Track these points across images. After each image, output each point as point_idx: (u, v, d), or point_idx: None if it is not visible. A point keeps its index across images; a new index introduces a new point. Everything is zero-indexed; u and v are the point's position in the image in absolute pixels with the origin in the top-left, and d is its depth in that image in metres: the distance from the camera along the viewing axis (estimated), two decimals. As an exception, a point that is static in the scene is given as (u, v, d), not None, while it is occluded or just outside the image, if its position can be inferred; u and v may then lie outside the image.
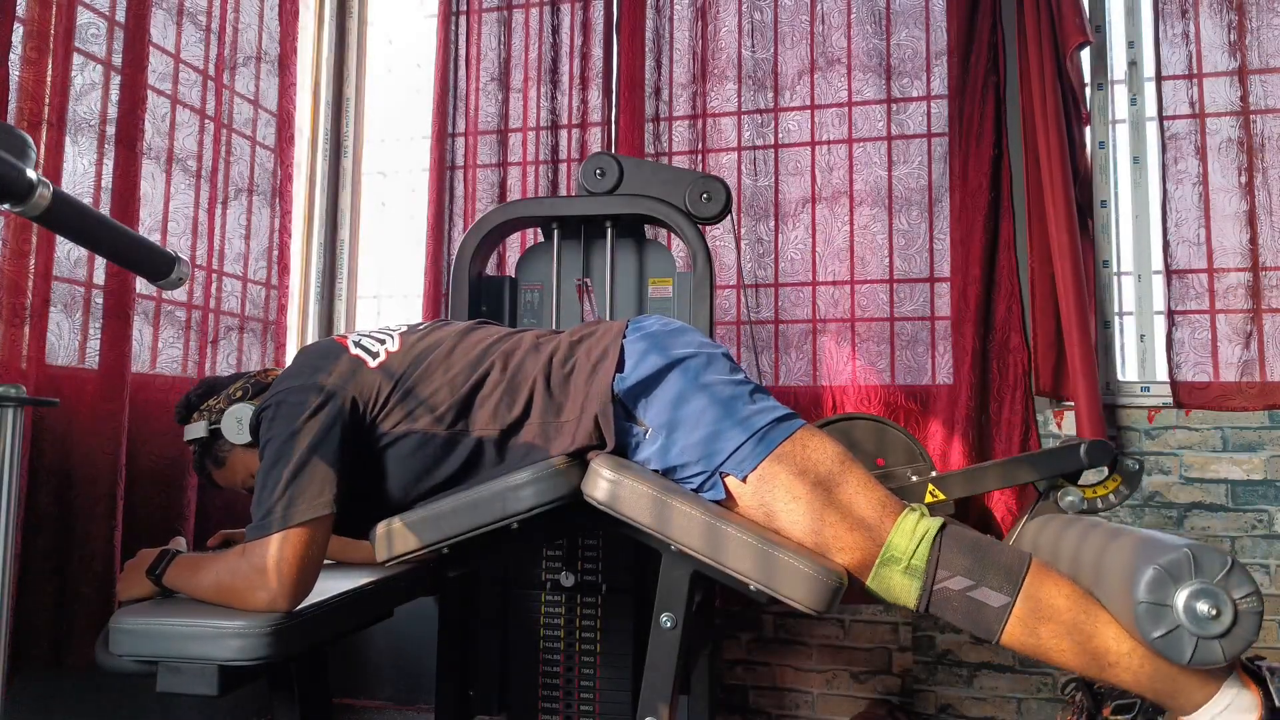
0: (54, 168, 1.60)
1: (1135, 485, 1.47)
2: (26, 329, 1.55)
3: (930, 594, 1.18)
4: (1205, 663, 1.07)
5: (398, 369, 1.36)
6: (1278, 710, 1.10)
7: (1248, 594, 1.07)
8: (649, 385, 1.31)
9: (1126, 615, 1.11)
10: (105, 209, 1.74)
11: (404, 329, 1.45)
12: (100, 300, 1.73)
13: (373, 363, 1.36)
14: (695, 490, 1.28)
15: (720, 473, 1.26)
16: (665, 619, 1.25)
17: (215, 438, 1.44)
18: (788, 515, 1.24)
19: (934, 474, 1.51)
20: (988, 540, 1.22)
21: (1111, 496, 1.46)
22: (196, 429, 1.44)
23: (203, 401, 1.46)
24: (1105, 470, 1.48)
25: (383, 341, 1.40)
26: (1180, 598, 1.07)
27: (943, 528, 1.20)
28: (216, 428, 1.42)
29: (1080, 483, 1.48)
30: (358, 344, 1.39)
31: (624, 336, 1.36)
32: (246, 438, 1.38)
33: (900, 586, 1.20)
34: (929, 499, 1.49)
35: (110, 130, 1.76)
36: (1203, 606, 1.06)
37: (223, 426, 1.40)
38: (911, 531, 1.20)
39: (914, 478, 1.54)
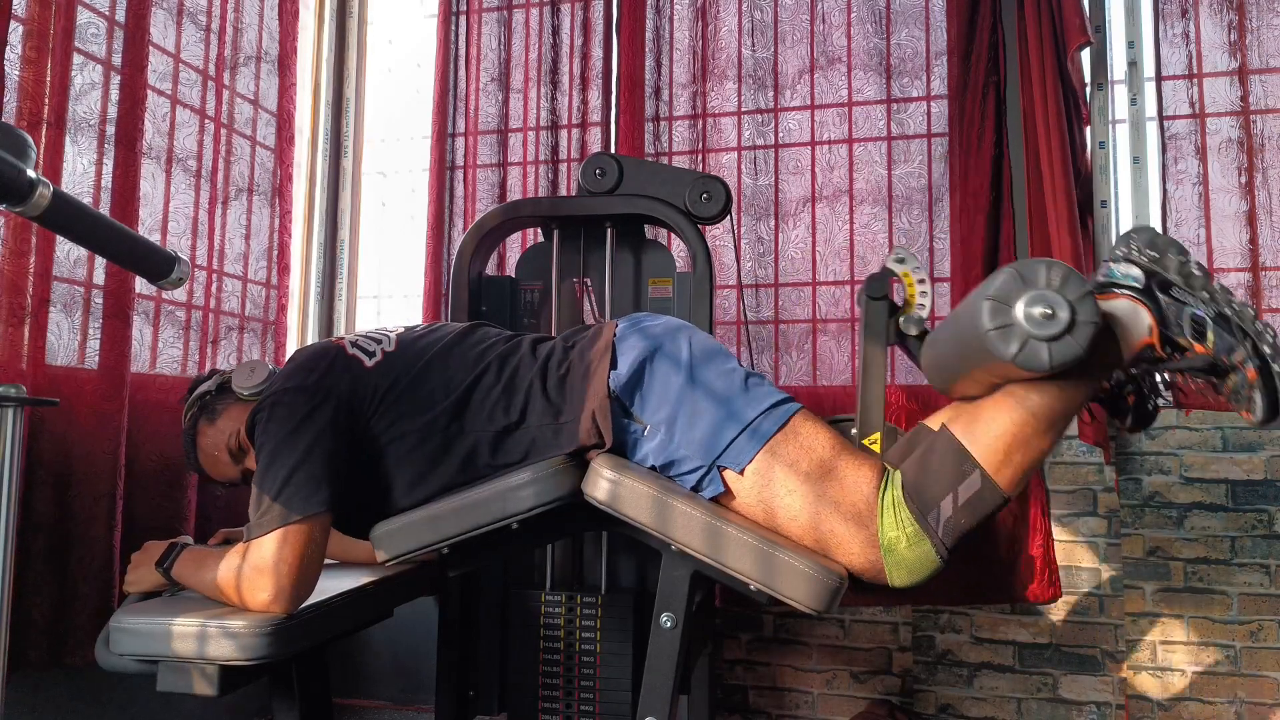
0: (54, 168, 1.60)
1: (915, 264, 1.47)
2: (26, 329, 1.55)
3: (941, 538, 1.20)
4: (1065, 360, 1.10)
5: (394, 370, 1.36)
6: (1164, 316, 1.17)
7: (1083, 293, 1.10)
8: (640, 377, 1.31)
9: (989, 355, 1.14)
10: (105, 209, 1.74)
11: (401, 330, 1.45)
12: (99, 300, 1.73)
13: (369, 362, 1.36)
14: (694, 485, 1.28)
15: (718, 466, 1.26)
16: (665, 619, 1.26)
17: (221, 391, 1.47)
18: (786, 511, 1.24)
19: (853, 432, 1.50)
20: (923, 449, 1.25)
21: (921, 289, 1.47)
22: (208, 384, 1.47)
23: (215, 372, 1.51)
24: (896, 285, 1.49)
25: (379, 342, 1.40)
26: (1018, 312, 1.11)
27: (902, 481, 1.22)
28: (227, 380, 1.46)
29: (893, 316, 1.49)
30: (354, 344, 1.39)
31: (615, 334, 1.37)
32: (256, 384, 1.42)
33: (917, 559, 1.21)
34: (876, 448, 1.50)
35: (110, 130, 1.76)
36: (1036, 310, 1.10)
37: (234, 374, 1.45)
38: (892, 506, 1.21)
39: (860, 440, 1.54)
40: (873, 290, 1.48)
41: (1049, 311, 1.10)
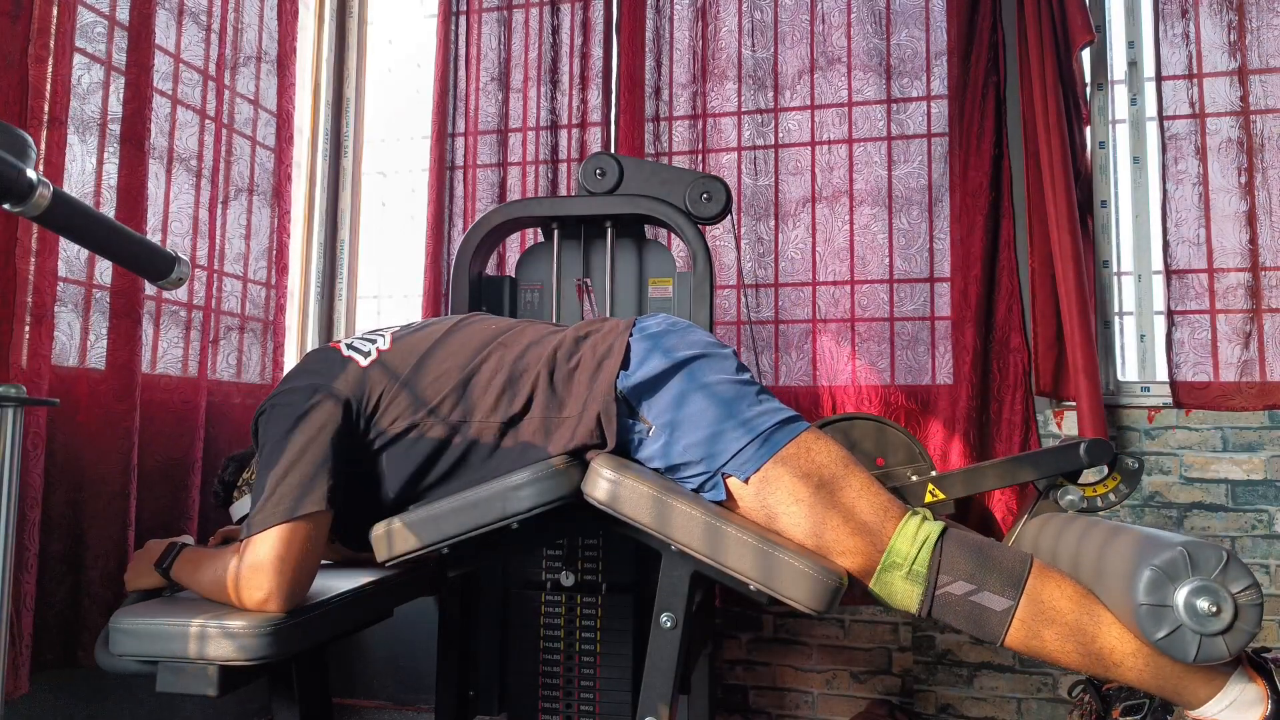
0: (56, 167, 1.60)
1: (1135, 484, 1.47)
2: (26, 330, 1.55)
3: (933, 599, 1.18)
4: (1210, 659, 1.07)
5: (390, 366, 1.36)
6: None
7: (1246, 587, 1.07)
8: (654, 385, 1.31)
9: (1128, 615, 1.11)
10: (111, 208, 1.74)
11: (395, 328, 1.45)
12: (100, 299, 1.73)
13: (364, 361, 1.36)
14: (696, 490, 1.28)
15: (722, 473, 1.26)
16: (665, 619, 1.25)
17: None
18: (789, 518, 1.24)
19: (934, 474, 1.51)
20: (989, 543, 1.22)
21: (1111, 495, 1.46)
22: (242, 506, 1.47)
23: (238, 478, 1.50)
24: (1105, 469, 1.48)
25: (374, 341, 1.41)
26: (1180, 596, 1.07)
27: (944, 532, 1.20)
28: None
29: (1080, 481, 1.48)
30: (350, 346, 1.40)
31: (630, 334, 1.36)
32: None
33: (902, 592, 1.20)
34: (929, 498, 1.49)
35: (114, 129, 1.77)
36: (1203, 604, 1.06)
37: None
38: (913, 536, 1.20)
39: (914, 477, 1.54)
40: (1094, 455, 1.43)
41: (1215, 609, 1.06)
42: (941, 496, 1.49)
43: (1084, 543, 1.26)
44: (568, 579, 1.81)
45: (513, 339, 1.39)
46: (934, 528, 1.21)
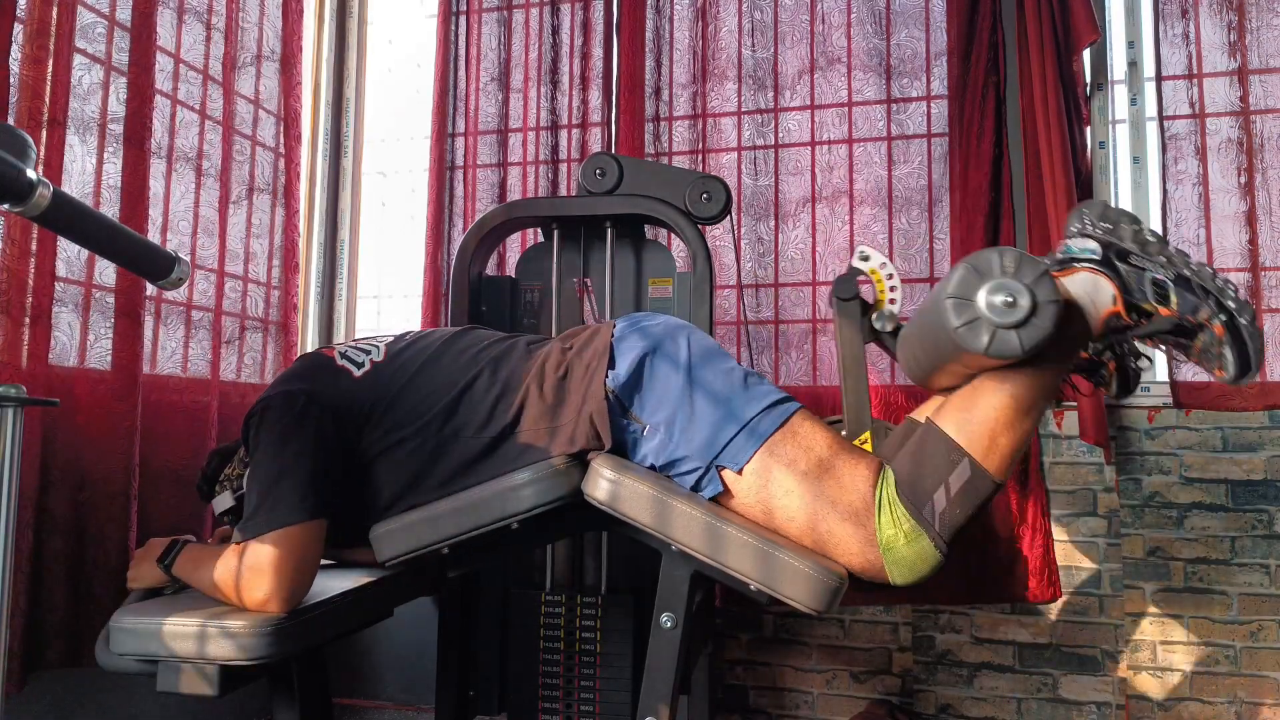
0: (56, 167, 1.60)
1: (881, 260, 1.48)
2: (26, 329, 1.55)
3: (938, 531, 1.20)
4: (1003, 354, 1.13)
5: (383, 380, 1.36)
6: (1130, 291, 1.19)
7: (1050, 291, 1.12)
8: (639, 378, 1.31)
9: (957, 349, 1.17)
10: (114, 208, 1.75)
11: (390, 339, 1.46)
12: (99, 299, 1.73)
13: (357, 373, 1.37)
14: (693, 485, 1.28)
15: (717, 466, 1.26)
16: (665, 619, 1.26)
17: (242, 502, 1.47)
18: (784, 511, 1.24)
19: (843, 434, 1.50)
20: (912, 444, 1.26)
21: (890, 284, 1.47)
22: (224, 500, 1.46)
23: (219, 473, 1.48)
24: (860, 278, 1.50)
25: (368, 353, 1.41)
26: (982, 293, 1.13)
27: (894, 479, 1.23)
28: (242, 493, 1.44)
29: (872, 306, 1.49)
30: (343, 355, 1.40)
31: (612, 335, 1.37)
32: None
33: (916, 555, 1.20)
34: (868, 447, 1.50)
35: (115, 129, 1.77)
36: (998, 298, 1.12)
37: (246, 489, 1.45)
38: (888, 504, 1.21)
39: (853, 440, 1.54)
40: (841, 291, 1.49)
41: (1010, 299, 1.12)
42: (865, 435, 1.50)
43: (915, 330, 1.33)
44: (568, 580, 1.81)
45: (503, 355, 1.40)
46: (886, 478, 1.23)
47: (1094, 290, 1.21)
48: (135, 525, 1.66)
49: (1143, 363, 1.31)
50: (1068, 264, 1.24)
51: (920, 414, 1.32)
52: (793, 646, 2.26)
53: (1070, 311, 1.18)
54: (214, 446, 1.91)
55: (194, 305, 2.04)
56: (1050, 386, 1.22)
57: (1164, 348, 1.26)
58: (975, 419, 1.20)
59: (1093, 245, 1.23)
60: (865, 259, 1.49)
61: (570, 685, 1.81)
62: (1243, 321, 1.14)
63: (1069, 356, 1.25)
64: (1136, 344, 1.29)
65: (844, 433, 1.49)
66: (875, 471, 1.25)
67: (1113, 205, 1.24)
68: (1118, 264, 1.21)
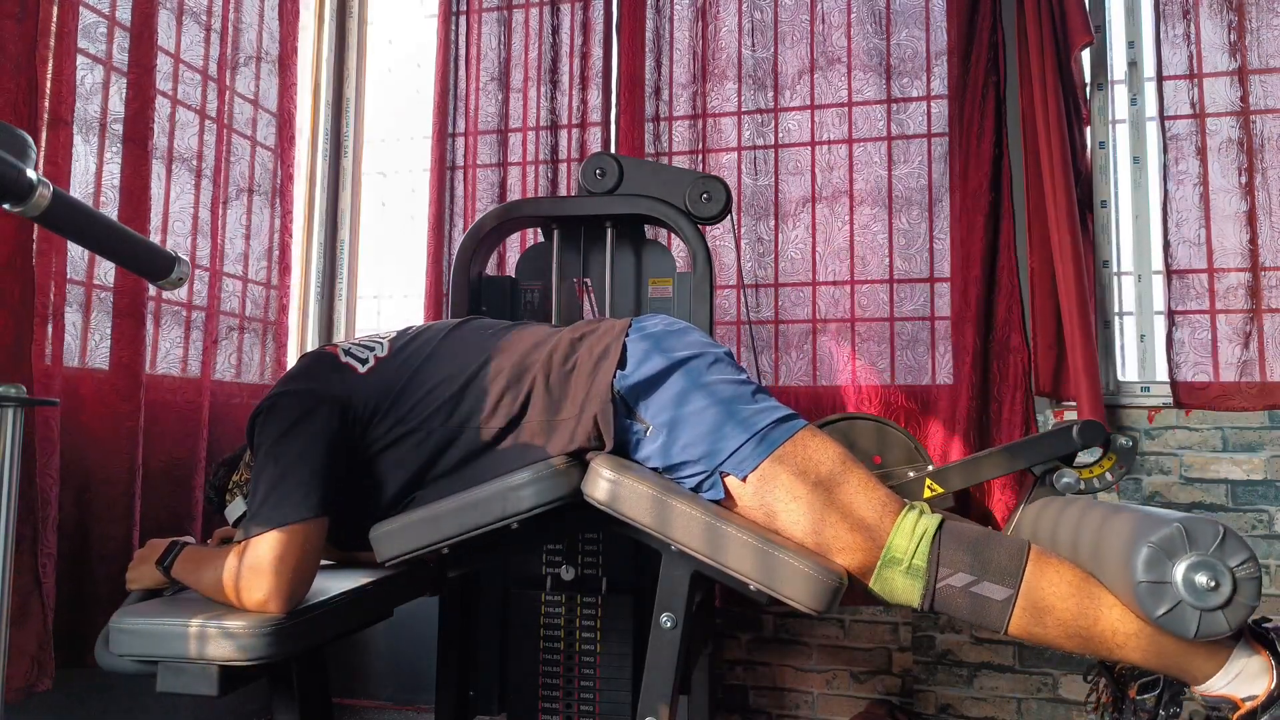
0: (56, 166, 1.60)
1: (1130, 462, 1.47)
2: (33, 329, 1.55)
3: (934, 593, 1.18)
4: (1210, 634, 1.07)
5: (388, 376, 1.36)
6: None
7: (1244, 561, 1.07)
8: (651, 385, 1.31)
9: (1127, 594, 1.11)
10: (114, 208, 1.75)
11: (393, 335, 1.46)
12: (101, 299, 1.73)
13: (362, 369, 1.37)
14: (695, 489, 1.28)
15: (720, 472, 1.26)
16: (665, 619, 1.26)
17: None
18: (788, 516, 1.24)
19: (931, 468, 1.51)
20: (986, 532, 1.22)
21: (1107, 475, 1.46)
22: (236, 507, 1.46)
23: (228, 480, 1.49)
24: (1099, 450, 1.48)
25: (372, 349, 1.41)
26: (1178, 573, 1.07)
27: (941, 524, 1.20)
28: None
29: (1075, 464, 1.48)
30: (348, 352, 1.40)
31: (626, 334, 1.36)
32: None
33: (903, 587, 1.20)
34: (927, 493, 1.49)
35: (117, 129, 1.77)
36: (1201, 579, 1.07)
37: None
38: (911, 531, 1.20)
39: (911, 474, 1.54)
40: (1087, 436, 1.44)
41: (1214, 584, 1.06)
42: (940, 490, 1.49)
43: (1082, 524, 1.26)
44: (568, 573, 1.81)
45: (510, 343, 1.39)
46: (931, 521, 1.21)
47: (1254, 671, 1.11)
48: (138, 524, 1.66)
49: None
50: (1261, 627, 1.15)
51: (1009, 527, 1.29)
52: (793, 646, 2.26)
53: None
54: (205, 445, 1.91)
55: (184, 304, 2.04)
56: (1125, 653, 1.14)
57: None
58: (1055, 593, 1.15)
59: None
60: (1124, 467, 1.47)
61: (570, 685, 1.81)
62: None
63: (1174, 661, 1.14)
64: None
65: (931, 468, 1.49)
66: (895, 502, 1.24)
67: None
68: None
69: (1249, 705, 1.10)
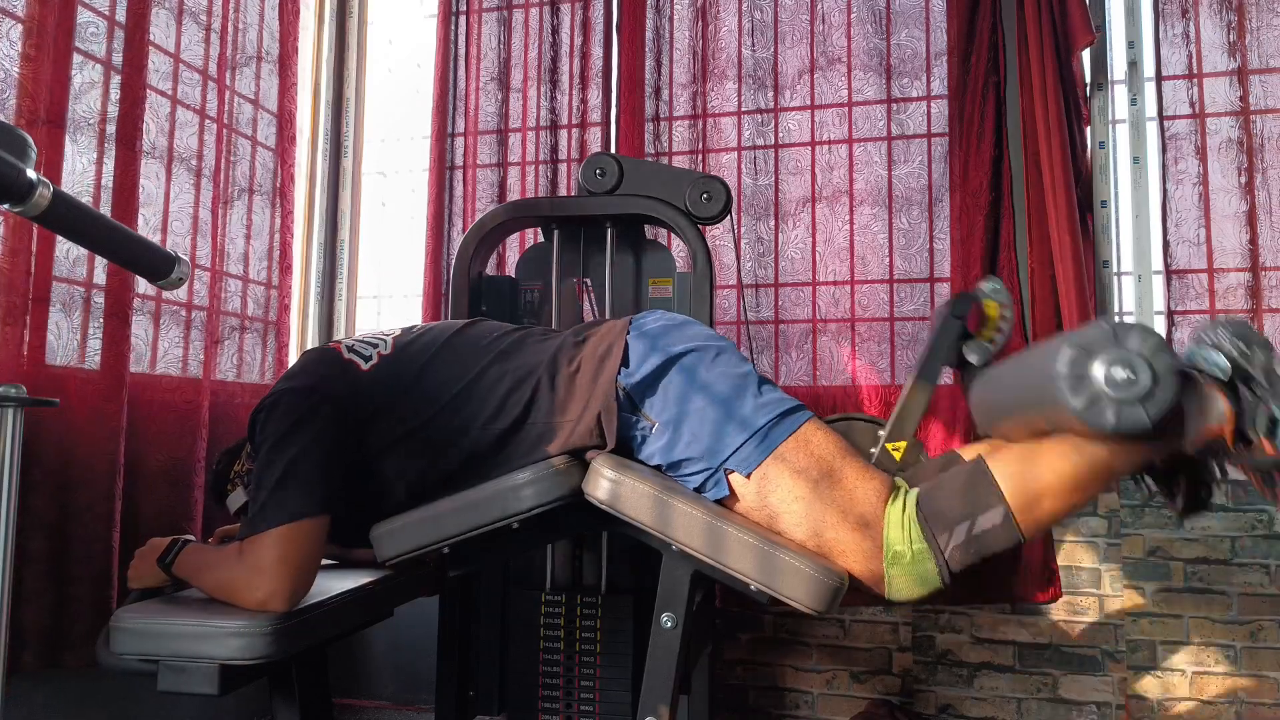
0: (53, 166, 1.60)
1: (1004, 297, 1.46)
2: (26, 329, 1.55)
3: (947, 561, 1.19)
4: (1131, 427, 1.09)
5: (391, 374, 1.36)
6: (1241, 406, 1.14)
7: (1165, 356, 1.09)
8: (654, 381, 1.31)
9: (1057, 405, 1.13)
10: (105, 208, 1.74)
11: (398, 333, 1.45)
12: (95, 299, 1.73)
13: (365, 366, 1.36)
14: (698, 487, 1.28)
15: (724, 469, 1.26)
16: (665, 619, 1.25)
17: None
18: (789, 516, 1.24)
19: (880, 433, 1.48)
20: (951, 474, 1.24)
21: (1001, 324, 1.45)
22: (238, 497, 1.46)
23: (229, 470, 1.49)
24: (969, 311, 1.47)
25: (375, 346, 1.41)
26: (1097, 367, 1.09)
27: (918, 497, 1.22)
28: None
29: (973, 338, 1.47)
30: (351, 349, 1.40)
31: (627, 333, 1.36)
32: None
33: (919, 576, 1.20)
34: (897, 455, 1.48)
35: (110, 130, 1.76)
36: (1118, 371, 1.08)
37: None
38: (900, 521, 1.20)
39: (873, 451, 1.53)
40: (957, 309, 1.45)
41: (1131, 375, 1.08)
42: (902, 445, 1.48)
43: (1010, 373, 1.29)
44: (568, 580, 1.81)
45: (513, 346, 1.39)
46: (909, 499, 1.22)
47: (1208, 404, 1.15)
48: (119, 525, 1.65)
49: (1216, 494, 1.24)
50: (1192, 370, 1.19)
51: (969, 452, 1.31)
52: (793, 646, 2.26)
53: (1177, 414, 1.12)
54: (205, 446, 1.91)
55: (192, 305, 2.04)
56: (1117, 472, 1.19)
57: (1253, 479, 1.21)
58: (1030, 475, 1.18)
59: (1222, 361, 1.17)
60: (995, 289, 1.46)
61: (570, 685, 1.81)
62: None
63: (1152, 454, 1.21)
64: (1219, 470, 1.25)
65: (881, 432, 1.48)
66: (887, 486, 1.25)
67: (1253, 328, 1.19)
68: (1240, 387, 1.15)
69: (1225, 428, 1.14)
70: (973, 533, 1.18)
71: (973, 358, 1.44)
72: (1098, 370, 1.09)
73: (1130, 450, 1.16)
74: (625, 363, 1.32)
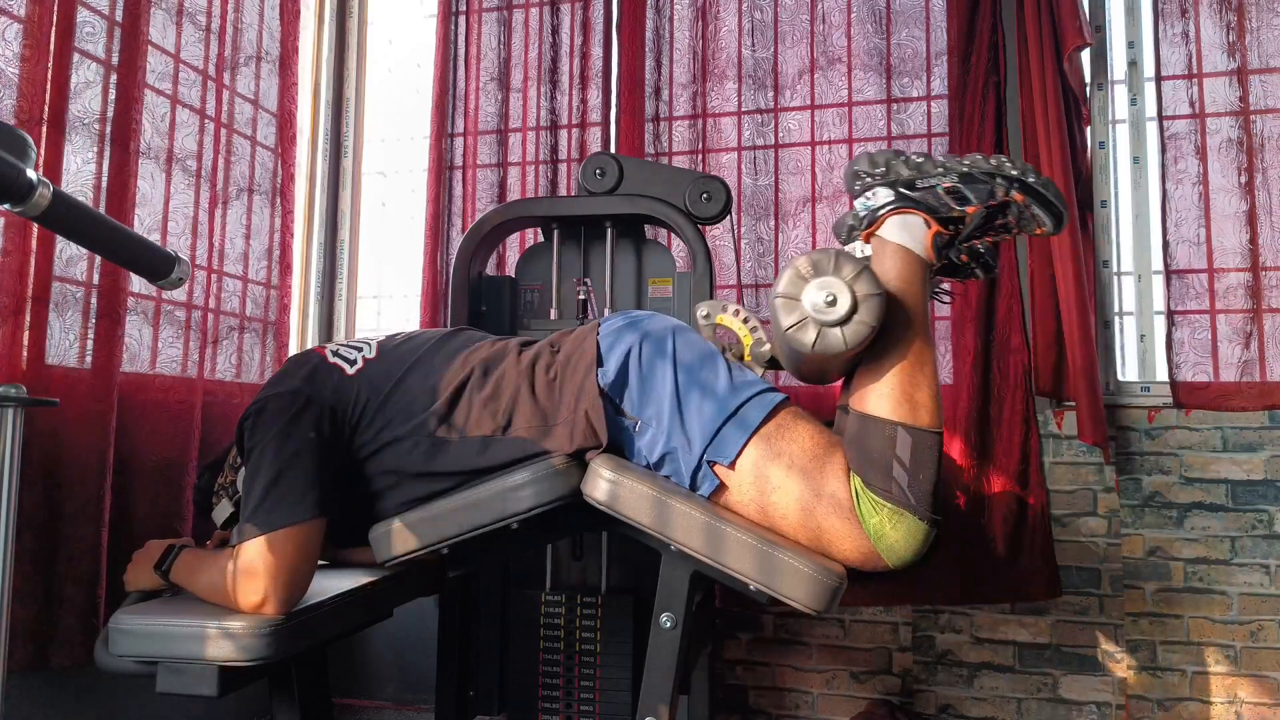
0: (51, 166, 1.60)
1: (731, 309, 1.49)
2: (23, 328, 1.55)
3: (914, 503, 1.19)
4: (828, 349, 1.17)
5: (376, 376, 1.36)
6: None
7: (871, 287, 1.16)
8: (623, 380, 1.31)
9: (778, 331, 1.21)
10: (101, 208, 1.74)
11: (382, 338, 1.46)
12: (86, 298, 1.72)
13: (350, 370, 1.37)
14: (689, 482, 1.28)
15: (709, 461, 1.26)
16: (665, 619, 1.26)
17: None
18: (779, 507, 1.24)
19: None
20: (848, 434, 1.27)
21: (751, 337, 1.47)
22: (223, 509, 1.46)
23: (213, 483, 1.48)
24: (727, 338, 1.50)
25: (360, 349, 1.41)
26: (807, 289, 1.17)
27: (854, 470, 1.23)
28: (239, 497, 1.43)
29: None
30: (335, 353, 1.40)
31: (597, 333, 1.37)
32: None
33: (906, 533, 1.19)
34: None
35: (107, 130, 1.76)
36: (821, 295, 1.16)
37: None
38: (861, 494, 1.21)
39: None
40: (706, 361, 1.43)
41: (831, 297, 1.16)
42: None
43: (782, 360, 1.36)
44: (568, 580, 1.80)
45: (494, 356, 1.39)
46: (854, 474, 1.23)
47: (907, 227, 1.26)
48: (109, 524, 1.65)
49: (990, 240, 1.33)
50: (872, 220, 1.29)
51: (843, 400, 1.34)
52: (793, 646, 2.26)
53: (905, 258, 1.24)
54: (198, 445, 1.91)
55: (191, 305, 2.04)
56: (918, 322, 1.25)
57: (994, 238, 1.31)
58: (885, 390, 1.22)
59: (882, 191, 1.28)
60: (706, 317, 1.48)
61: (570, 685, 1.81)
62: (1030, 180, 1.23)
63: (922, 297, 1.28)
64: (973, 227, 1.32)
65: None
66: (846, 465, 1.25)
67: (872, 151, 1.31)
68: (910, 194, 1.27)
69: (933, 230, 1.25)
70: (906, 465, 1.20)
71: (760, 367, 1.47)
72: (807, 306, 1.17)
73: (906, 311, 1.23)
74: (600, 363, 1.32)
